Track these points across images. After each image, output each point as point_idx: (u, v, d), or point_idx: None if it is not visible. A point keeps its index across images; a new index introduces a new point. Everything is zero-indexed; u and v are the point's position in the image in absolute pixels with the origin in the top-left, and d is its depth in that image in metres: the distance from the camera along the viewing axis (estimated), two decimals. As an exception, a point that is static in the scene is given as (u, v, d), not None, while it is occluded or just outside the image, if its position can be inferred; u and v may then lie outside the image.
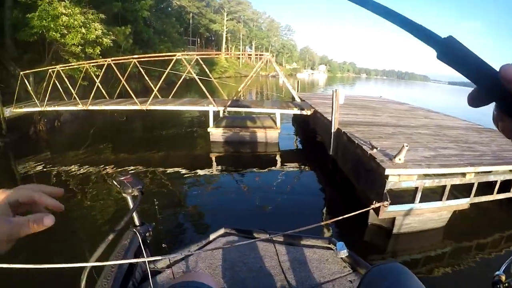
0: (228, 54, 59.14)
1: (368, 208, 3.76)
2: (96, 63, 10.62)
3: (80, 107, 9.52)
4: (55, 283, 3.02)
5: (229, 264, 2.28)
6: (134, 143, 10.15)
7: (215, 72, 41.70)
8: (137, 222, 1.86)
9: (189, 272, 2.17)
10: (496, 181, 4.44)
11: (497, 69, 0.28)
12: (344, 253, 2.29)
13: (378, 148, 4.49)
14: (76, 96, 9.82)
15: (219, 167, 7.63)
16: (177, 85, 9.40)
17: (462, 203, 4.35)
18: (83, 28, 12.00)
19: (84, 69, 10.70)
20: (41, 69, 10.37)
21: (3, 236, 0.48)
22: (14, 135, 9.64)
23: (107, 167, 7.27)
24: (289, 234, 2.54)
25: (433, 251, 4.25)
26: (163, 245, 2.15)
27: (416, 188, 4.02)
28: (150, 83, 10.27)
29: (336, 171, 6.38)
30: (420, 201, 4.07)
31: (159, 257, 2.10)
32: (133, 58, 9.54)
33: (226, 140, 8.95)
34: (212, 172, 7.30)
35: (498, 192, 4.50)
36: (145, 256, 1.82)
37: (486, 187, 4.53)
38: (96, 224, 4.74)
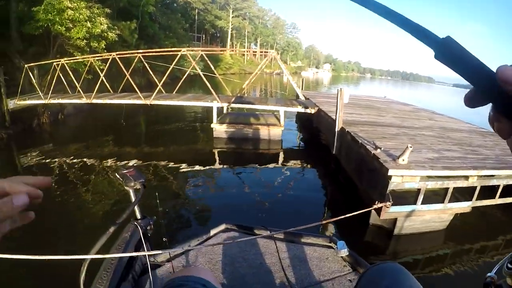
0: (233, 50, 59.01)
1: (370, 208, 3.75)
2: (101, 57, 10.63)
3: (84, 100, 9.53)
4: (55, 274, 3.03)
5: (229, 260, 2.28)
6: (137, 137, 10.17)
7: (219, 69, 41.69)
8: (138, 216, 1.86)
9: (189, 266, 2.17)
10: (498, 186, 4.42)
11: (494, 70, 0.28)
12: (344, 252, 2.29)
13: (382, 148, 4.48)
14: (80, 90, 9.83)
15: (222, 163, 7.63)
16: (182, 81, 9.39)
17: (464, 206, 4.33)
18: (88, 22, 11.97)
19: (89, 63, 10.71)
20: (46, 62, 10.38)
21: None
22: (17, 127, 9.67)
23: (109, 160, 7.30)
24: (290, 232, 2.54)
25: (434, 253, 4.23)
26: (164, 239, 2.16)
27: (419, 189, 4.00)
28: (154, 78, 10.26)
29: (339, 170, 6.37)
30: (422, 203, 4.06)
31: (160, 251, 2.11)
32: (138, 52, 9.55)
33: (229, 136, 8.95)
34: (214, 168, 7.30)
35: (500, 197, 4.48)
36: (146, 250, 1.82)
37: (488, 191, 4.51)
38: (97, 216, 4.75)
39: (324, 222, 3.61)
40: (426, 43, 0.30)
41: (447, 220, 4.47)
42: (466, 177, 4.14)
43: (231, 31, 68.89)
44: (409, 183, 3.98)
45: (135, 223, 1.84)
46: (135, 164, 6.93)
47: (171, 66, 9.24)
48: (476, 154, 4.96)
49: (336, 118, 6.19)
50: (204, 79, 9.22)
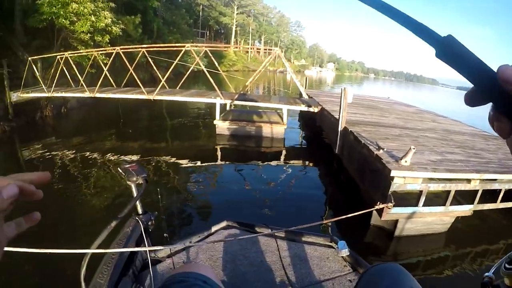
0: (237, 47, 59.01)
1: (371, 209, 3.74)
2: (105, 51, 10.63)
3: (87, 94, 9.54)
4: (55, 268, 3.04)
5: (230, 257, 2.28)
6: (140, 132, 10.17)
7: (223, 65, 41.70)
8: (140, 211, 1.86)
9: (189, 262, 2.17)
10: (500, 190, 4.40)
11: (495, 69, 0.28)
12: (345, 252, 2.29)
13: (385, 149, 4.47)
14: (83, 83, 9.84)
15: (224, 160, 7.63)
16: (185, 76, 9.39)
17: (465, 209, 4.31)
18: (92, 16, 11.96)
19: (93, 56, 10.71)
20: (49, 55, 10.40)
21: None
22: (20, 120, 9.69)
23: (111, 154, 7.31)
24: (291, 230, 2.54)
25: (434, 255, 4.23)
26: (165, 235, 2.16)
27: (421, 191, 3.99)
28: (158, 73, 10.26)
29: (341, 170, 6.36)
30: (424, 205, 4.04)
31: (161, 247, 2.11)
32: (142, 47, 9.53)
33: (231, 133, 8.95)
34: (216, 165, 7.30)
35: (502, 201, 4.46)
36: (146, 245, 1.82)
37: (490, 195, 4.50)
38: (98, 210, 4.75)
39: (325, 221, 3.61)
40: (428, 42, 0.31)
41: (448, 223, 4.46)
42: (468, 180, 4.12)
43: (235, 28, 68.93)
44: (411, 184, 3.97)
45: (137, 218, 1.85)
46: (137, 159, 6.94)
47: (175, 62, 9.23)
48: (479, 158, 4.94)
49: (339, 117, 6.17)
50: (208, 75, 9.21)
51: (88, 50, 11.23)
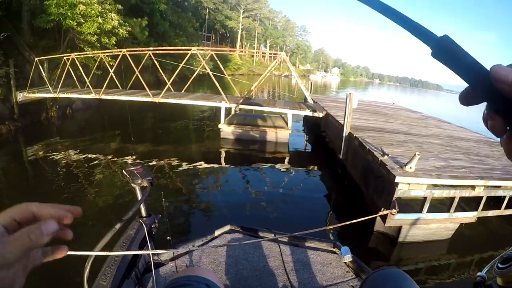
0: (242, 51, 59.13)
1: (376, 215, 3.73)
2: (111, 53, 10.68)
3: (92, 95, 9.58)
4: (58, 269, 3.04)
5: (233, 261, 2.27)
6: (144, 134, 10.18)
7: (228, 69, 41.83)
8: (143, 213, 1.87)
9: (192, 266, 2.17)
10: (504, 197, 4.38)
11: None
12: (348, 257, 2.28)
13: (389, 155, 4.45)
14: (89, 85, 9.89)
15: (228, 164, 7.62)
16: (191, 80, 9.42)
17: (469, 216, 4.30)
18: (99, 17, 12.04)
19: (99, 58, 10.77)
20: (56, 56, 10.48)
21: None
22: (25, 119, 9.75)
23: (116, 156, 7.33)
24: (294, 235, 2.53)
25: (437, 262, 4.21)
26: (168, 238, 2.16)
27: (425, 198, 3.97)
28: (163, 75, 10.31)
29: (345, 175, 6.36)
30: (428, 212, 4.03)
31: (164, 251, 2.11)
32: (148, 50, 9.58)
33: (236, 137, 8.96)
34: (220, 168, 7.30)
35: (506, 208, 4.44)
36: (150, 248, 1.82)
37: (494, 202, 4.47)
38: (101, 212, 4.76)
39: (329, 227, 3.59)
40: (424, 41, 0.31)
41: (452, 230, 4.43)
42: (473, 187, 4.10)
43: (241, 31, 69.08)
44: (415, 191, 3.95)
45: (140, 220, 1.85)
46: (141, 162, 6.94)
47: (181, 65, 9.26)
48: (483, 164, 4.92)
49: (344, 122, 6.16)
50: (213, 78, 9.23)
51: (95, 51, 11.30)
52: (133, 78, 9.92)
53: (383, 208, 3.82)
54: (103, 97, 9.52)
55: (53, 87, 9.98)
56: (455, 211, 4.13)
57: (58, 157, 7.10)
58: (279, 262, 2.29)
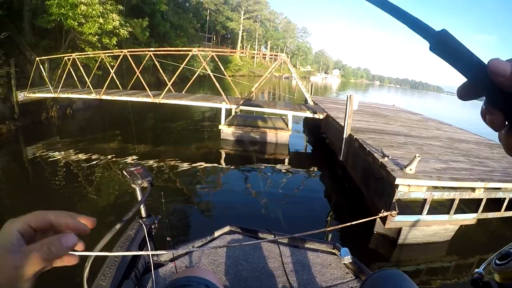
0: (243, 52, 59.18)
1: (375, 217, 3.73)
2: (112, 54, 10.68)
3: (93, 96, 9.58)
4: (58, 270, 3.03)
5: (233, 262, 2.27)
6: (145, 135, 10.19)
7: (228, 70, 41.84)
8: (143, 214, 1.87)
9: (192, 267, 2.17)
10: (504, 199, 4.39)
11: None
12: (347, 259, 2.28)
13: (389, 157, 4.45)
14: (90, 85, 9.89)
15: (228, 165, 7.62)
16: (192, 81, 9.42)
17: (469, 218, 4.30)
18: (101, 18, 12.04)
19: (100, 58, 10.77)
20: (57, 56, 10.49)
21: (14, 272, 0.39)
22: (26, 119, 9.75)
23: (116, 156, 7.33)
24: (294, 237, 2.53)
25: (437, 263, 4.21)
26: (168, 238, 2.15)
27: (425, 199, 3.98)
28: (164, 76, 10.32)
29: (345, 177, 6.35)
30: (428, 213, 4.03)
31: (163, 252, 2.11)
32: (149, 51, 9.59)
33: (236, 139, 8.96)
34: (220, 169, 7.30)
35: (506, 210, 4.44)
36: (149, 248, 1.82)
37: (494, 204, 4.47)
38: (101, 212, 4.76)
39: (328, 229, 3.59)
40: (422, 35, 0.31)
41: (452, 231, 4.44)
42: (473, 189, 4.11)
43: (242, 33, 69.12)
44: (415, 192, 3.95)
45: (140, 221, 1.85)
46: (141, 162, 6.94)
47: (182, 66, 9.26)
48: (483, 166, 4.92)
49: (344, 124, 6.17)
50: (214, 80, 9.24)
51: (96, 52, 11.31)
52: (134, 79, 9.94)
53: (383, 210, 3.83)
54: (104, 97, 9.52)
55: (54, 87, 9.98)
56: (455, 213, 4.13)
57: (58, 157, 7.11)
58: (279, 263, 2.29)
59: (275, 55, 12.57)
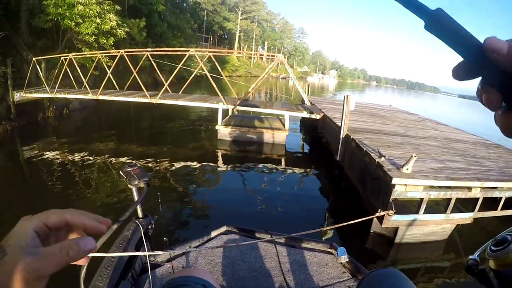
0: (240, 53, 59.13)
1: (372, 216, 3.74)
2: (109, 54, 10.65)
3: (90, 96, 9.54)
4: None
5: (230, 262, 2.27)
6: (141, 135, 10.17)
7: (226, 71, 41.77)
8: (140, 214, 1.86)
9: (189, 267, 2.17)
10: (501, 198, 4.40)
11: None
12: (344, 258, 2.29)
13: (386, 157, 4.46)
14: (86, 85, 9.86)
15: (225, 165, 7.61)
16: (188, 81, 9.42)
17: (466, 217, 4.31)
18: (98, 18, 12.02)
19: (97, 59, 10.74)
20: (54, 56, 10.46)
21: (30, 273, 0.38)
22: (22, 119, 9.71)
23: (112, 157, 7.31)
24: (290, 236, 2.53)
25: (434, 262, 4.23)
26: (164, 239, 2.15)
27: (421, 199, 3.99)
28: (161, 77, 10.30)
29: (342, 177, 6.36)
30: (424, 213, 4.04)
31: (160, 252, 2.11)
32: (146, 51, 9.58)
33: (233, 139, 8.95)
34: (217, 170, 7.29)
35: (502, 209, 4.45)
36: (146, 249, 1.82)
37: (490, 203, 4.49)
38: (98, 213, 4.72)
39: (325, 228, 3.59)
40: (417, 14, 0.31)
41: (448, 230, 4.45)
42: (469, 188, 4.12)
43: (239, 33, 69.08)
44: (412, 192, 3.96)
45: (137, 221, 1.85)
46: (138, 162, 6.92)
47: (179, 66, 9.26)
48: (480, 166, 4.94)
49: (341, 124, 6.17)
50: (211, 80, 9.23)
51: (93, 52, 11.29)
52: (131, 79, 9.92)
53: (380, 209, 3.84)
54: (101, 97, 9.49)
55: (50, 87, 9.93)
56: (452, 212, 4.14)
57: (55, 157, 7.08)
58: (276, 263, 2.29)
59: (272, 56, 12.58)
